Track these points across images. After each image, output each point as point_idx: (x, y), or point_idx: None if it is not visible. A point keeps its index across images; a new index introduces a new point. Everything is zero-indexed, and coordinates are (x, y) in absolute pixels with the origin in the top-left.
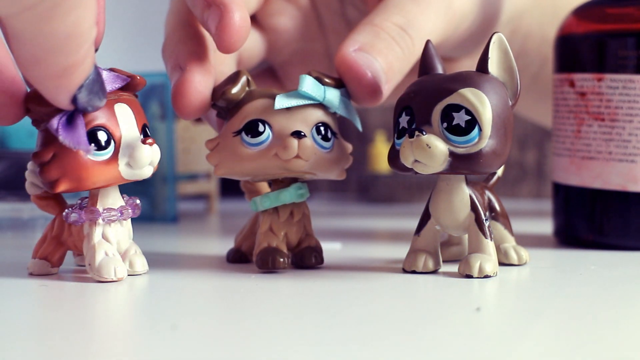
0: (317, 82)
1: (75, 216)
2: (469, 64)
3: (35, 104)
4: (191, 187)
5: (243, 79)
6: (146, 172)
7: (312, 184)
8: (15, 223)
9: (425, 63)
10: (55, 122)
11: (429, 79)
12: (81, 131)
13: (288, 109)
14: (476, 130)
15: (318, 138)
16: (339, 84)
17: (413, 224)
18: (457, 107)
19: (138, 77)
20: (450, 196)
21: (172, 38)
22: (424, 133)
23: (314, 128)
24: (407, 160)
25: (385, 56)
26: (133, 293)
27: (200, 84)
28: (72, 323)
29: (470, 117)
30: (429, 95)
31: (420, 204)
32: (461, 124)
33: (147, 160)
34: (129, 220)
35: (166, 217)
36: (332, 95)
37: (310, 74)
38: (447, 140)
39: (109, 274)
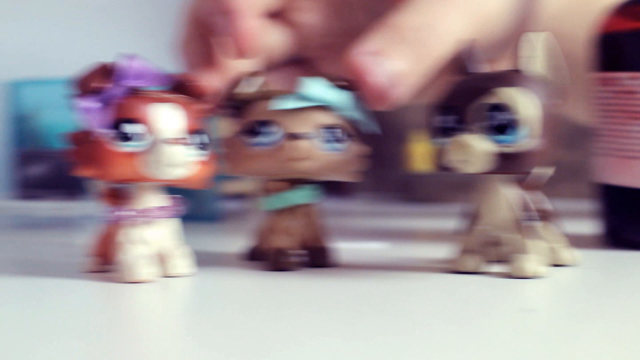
0: (324, 85)
1: (111, 215)
2: (508, 65)
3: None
4: (234, 186)
5: (255, 79)
6: (172, 172)
7: (353, 184)
8: (57, 222)
9: (464, 62)
10: (86, 102)
11: (470, 77)
12: (103, 115)
13: (296, 109)
14: (519, 129)
15: (327, 139)
16: (350, 86)
17: (456, 223)
18: (500, 106)
19: (196, 83)
20: (497, 196)
21: (185, 35)
22: (465, 132)
23: (324, 129)
24: (448, 159)
25: (395, 59)
26: (168, 295)
27: (209, 82)
28: (108, 324)
29: (512, 116)
30: (471, 94)
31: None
32: (503, 123)
33: (171, 159)
34: (176, 220)
35: (211, 216)
36: (344, 97)
37: (323, 76)
38: (489, 140)
39: (135, 275)
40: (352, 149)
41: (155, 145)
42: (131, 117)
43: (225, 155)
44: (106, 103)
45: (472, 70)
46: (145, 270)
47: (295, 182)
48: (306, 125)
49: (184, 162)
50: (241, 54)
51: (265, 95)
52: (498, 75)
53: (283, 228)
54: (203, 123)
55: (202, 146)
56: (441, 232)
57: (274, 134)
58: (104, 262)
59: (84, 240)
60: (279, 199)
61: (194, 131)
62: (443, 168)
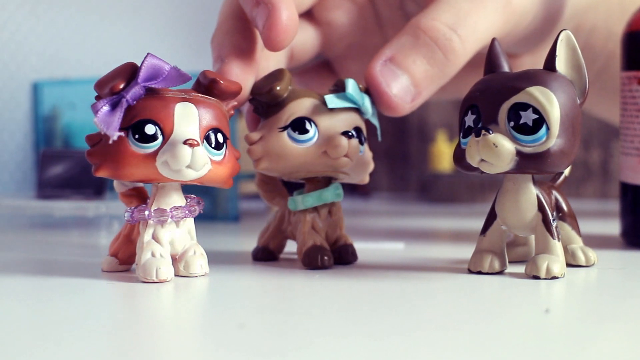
0: (358, 88)
1: (127, 215)
2: (531, 60)
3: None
4: (252, 186)
5: (287, 77)
6: (186, 173)
7: (372, 183)
8: (80, 221)
9: (491, 61)
10: (101, 104)
11: (495, 77)
12: (116, 116)
13: (330, 110)
14: (544, 129)
15: (359, 140)
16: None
17: (476, 224)
18: (525, 106)
19: (221, 83)
20: (517, 196)
21: (221, 29)
22: (491, 132)
23: (353, 130)
24: (473, 159)
25: (416, 69)
26: (186, 295)
27: (237, 77)
28: (125, 323)
29: (537, 116)
30: (496, 94)
31: (482, 204)
32: (528, 122)
33: (184, 160)
34: (191, 220)
35: (228, 216)
36: (368, 102)
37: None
38: (514, 140)
39: (150, 274)
40: (367, 152)
41: (173, 146)
42: (150, 118)
43: (255, 151)
44: (126, 104)
45: (499, 69)
46: (163, 270)
47: (322, 182)
48: (344, 124)
49: (203, 162)
50: (277, 45)
51: (299, 94)
52: (525, 74)
53: (316, 226)
54: (225, 122)
55: (221, 145)
56: (461, 232)
57: (312, 132)
58: (123, 261)
59: (104, 240)
60: (314, 197)
61: (214, 131)
62: (466, 168)
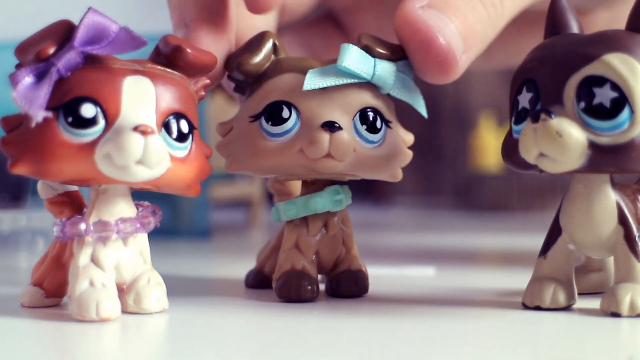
0: (364, 54)
1: (57, 230)
2: (608, 18)
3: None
4: (227, 190)
5: (268, 45)
6: (134, 172)
7: (392, 184)
8: None
9: (554, 19)
10: (22, 74)
11: (559, 41)
12: (42, 91)
13: (324, 89)
14: (626, 112)
15: (362, 129)
16: (396, 54)
17: (533, 241)
18: (600, 80)
19: (189, 52)
20: (590, 204)
21: None
22: (553, 116)
23: (357, 115)
24: (529, 153)
25: (463, 17)
26: (135, 339)
27: (207, 47)
28: None
29: (617, 94)
30: (560, 64)
31: (541, 214)
32: (605, 103)
33: (133, 153)
34: (144, 236)
35: (194, 231)
36: (386, 71)
37: (360, 41)
38: (585, 126)
39: (88, 311)
40: (393, 139)
41: (119, 133)
42: (88, 95)
43: (225, 147)
44: (57, 75)
45: (565, 30)
46: (105, 305)
47: (320, 184)
48: (333, 110)
49: (159, 158)
50: (262, 5)
51: (282, 67)
52: (600, 36)
53: (302, 244)
54: (192, 106)
55: (186, 136)
56: (512, 252)
57: (291, 121)
58: (51, 293)
59: (24, 263)
60: (299, 205)
61: (177, 116)
62: (520, 165)
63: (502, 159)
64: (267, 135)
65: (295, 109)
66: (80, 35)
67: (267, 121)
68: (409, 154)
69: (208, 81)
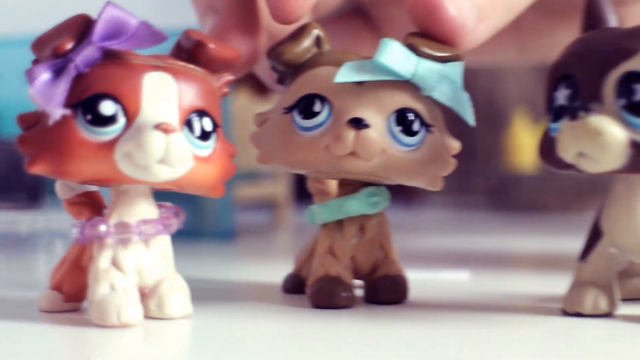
0: (406, 51)
1: (76, 231)
2: None
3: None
4: (252, 190)
5: (310, 36)
6: (156, 171)
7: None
8: (9, 240)
9: (591, 12)
10: (39, 70)
11: (597, 35)
12: (60, 87)
13: (360, 84)
14: None
15: (397, 130)
16: (444, 55)
17: (572, 244)
18: None
19: (211, 47)
20: (632, 205)
21: None
22: (592, 113)
23: (394, 115)
24: (567, 152)
25: None
26: (149, 345)
27: (240, 35)
28: None
29: None
30: (599, 59)
31: (580, 215)
32: None
33: (154, 151)
34: (167, 238)
35: (218, 233)
36: (429, 71)
37: (405, 38)
38: (625, 124)
39: (109, 316)
40: (434, 144)
41: (140, 131)
42: (107, 92)
43: (258, 138)
44: (75, 71)
45: (603, 23)
46: (126, 309)
47: (356, 185)
48: (366, 107)
49: (181, 157)
50: (284, 18)
51: (322, 60)
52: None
53: (337, 249)
54: (215, 103)
55: (209, 134)
56: (550, 255)
57: (322, 115)
58: (70, 298)
59: (42, 266)
60: (332, 208)
61: (199, 114)
62: (557, 165)
63: (538, 158)
64: (298, 128)
65: (329, 103)
66: (98, 30)
67: (299, 114)
68: (451, 162)
69: (231, 77)
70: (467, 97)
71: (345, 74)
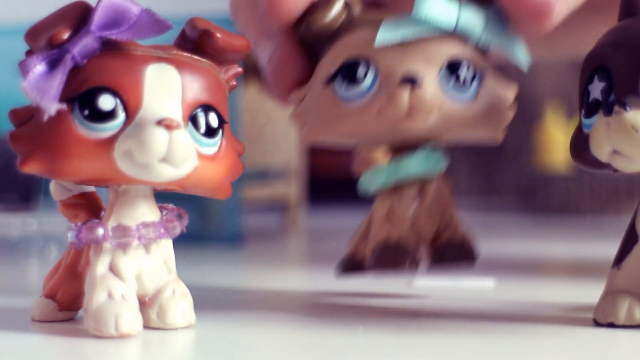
0: (446, 0)
1: (72, 235)
2: None
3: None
4: (261, 191)
5: (339, 1)
6: (158, 171)
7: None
8: (1, 244)
9: (629, 0)
10: (34, 61)
11: (635, 24)
12: (55, 80)
13: (403, 42)
14: None
15: (450, 83)
16: None
17: (606, 249)
18: None
19: (218, 37)
20: None
21: None
22: (628, 108)
23: (444, 68)
24: (601, 150)
25: None
26: (149, 357)
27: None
28: None
29: None
30: (636, 50)
31: (617, 218)
32: None
33: (156, 149)
34: (169, 243)
35: (224, 237)
36: (473, 17)
37: None
38: None
39: (107, 326)
40: (490, 93)
41: (141, 128)
42: (106, 85)
43: (299, 116)
44: (72, 62)
45: None
46: (125, 319)
47: (408, 148)
48: (415, 62)
49: (186, 155)
50: (282, 14)
51: (357, 24)
52: None
53: (394, 217)
54: (222, 97)
55: (215, 131)
56: (582, 261)
57: (368, 79)
58: (65, 306)
59: (35, 272)
60: (388, 171)
61: (205, 109)
62: (591, 164)
63: (571, 157)
64: (343, 97)
65: (373, 65)
66: (97, 18)
67: (342, 82)
68: (509, 114)
69: (240, 69)
70: (518, 38)
71: (386, 35)
